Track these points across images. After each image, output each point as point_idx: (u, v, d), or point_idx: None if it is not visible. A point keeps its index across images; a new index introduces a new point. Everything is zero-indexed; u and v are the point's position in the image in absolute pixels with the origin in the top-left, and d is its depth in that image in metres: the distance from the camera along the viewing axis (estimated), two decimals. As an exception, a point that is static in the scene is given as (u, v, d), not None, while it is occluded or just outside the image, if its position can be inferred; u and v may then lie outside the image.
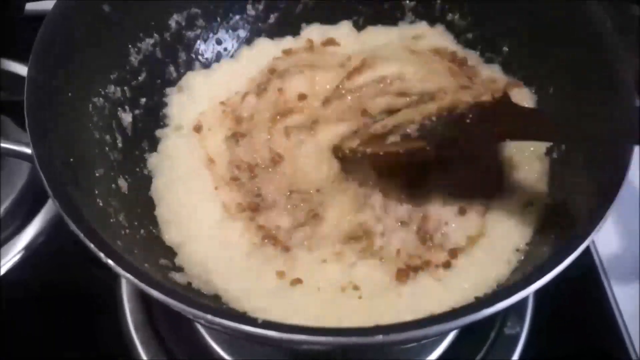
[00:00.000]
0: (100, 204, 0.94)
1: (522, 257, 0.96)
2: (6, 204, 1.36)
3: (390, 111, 1.10)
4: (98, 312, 1.26)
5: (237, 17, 1.31)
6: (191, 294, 0.91)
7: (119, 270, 0.71)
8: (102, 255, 0.72)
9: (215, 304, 0.91)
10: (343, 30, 1.33)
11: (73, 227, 0.74)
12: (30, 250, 1.35)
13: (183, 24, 1.25)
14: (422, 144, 0.98)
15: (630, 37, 0.95)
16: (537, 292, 1.25)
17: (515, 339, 1.25)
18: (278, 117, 1.13)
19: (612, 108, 0.90)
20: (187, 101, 1.18)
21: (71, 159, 0.91)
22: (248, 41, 1.30)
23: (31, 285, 1.31)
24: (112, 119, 1.09)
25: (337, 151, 1.07)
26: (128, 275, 0.70)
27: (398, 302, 0.93)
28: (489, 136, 0.96)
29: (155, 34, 1.20)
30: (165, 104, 1.21)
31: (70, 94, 0.98)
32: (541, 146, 1.08)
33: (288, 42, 1.31)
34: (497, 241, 0.99)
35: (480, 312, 0.68)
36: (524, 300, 1.27)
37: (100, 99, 1.07)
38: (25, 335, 1.24)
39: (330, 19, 1.33)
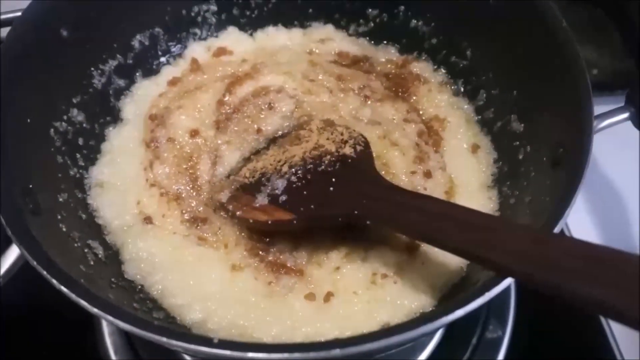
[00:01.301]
0: (64, 229, 0.93)
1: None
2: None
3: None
4: (78, 331, 1.24)
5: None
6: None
7: (72, 296, 0.69)
8: (54, 282, 0.70)
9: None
10: (231, 37, 1.33)
11: (28, 257, 0.73)
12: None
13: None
14: (289, 217, 0.97)
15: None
16: (519, 294, 1.26)
17: (497, 342, 1.24)
18: (189, 171, 1.09)
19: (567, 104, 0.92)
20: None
21: (30, 185, 0.90)
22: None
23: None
24: (76, 143, 1.08)
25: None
26: (79, 300, 0.68)
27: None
28: (353, 204, 0.94)
29: (118, 55, 1.20)
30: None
31: (29, 120, 0.97)
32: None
33: (169, 72, 1.27)
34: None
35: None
36: (506, 303, 1.27)
37: (63, 123, 1.07)
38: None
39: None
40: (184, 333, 0.66)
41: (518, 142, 1.07)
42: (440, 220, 0.86)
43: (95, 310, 0.69)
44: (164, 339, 0.66)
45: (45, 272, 0.72)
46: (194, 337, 0.66)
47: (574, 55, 0.95)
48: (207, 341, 0.66)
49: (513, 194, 1.04)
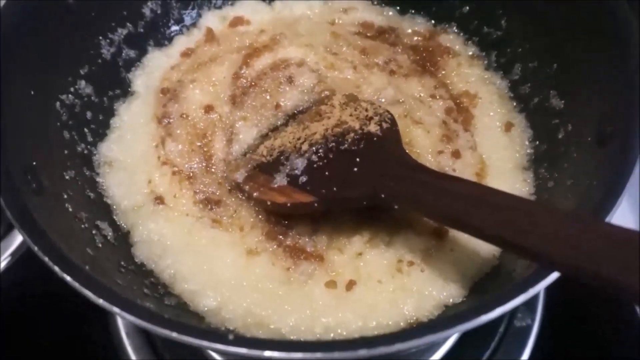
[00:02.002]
0: (70, 210, 0.88)
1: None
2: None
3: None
4: (90, 315, 1.19)
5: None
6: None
7: (75, 284, 0.64)
8: (57, 269, 0.65)
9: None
10: (248, 6, 1.25)
11: (29, 241, 0.68)
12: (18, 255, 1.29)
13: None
14: (310, 200, 0.90)
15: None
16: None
17: (526, 331, 1.17)
18: (203, 149, 1.03)
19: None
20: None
21: (34, 163, 0.84)
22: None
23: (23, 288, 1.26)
24: (84, 117, 1.02)
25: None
26: (82, 288, 0.63)
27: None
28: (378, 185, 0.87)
29: (128, 24, 1.13)
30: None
31: (32, 92, 0.91)
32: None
33: (182, 42, 1.20)
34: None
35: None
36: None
37: (70, 96, 1.01)
38: (16, 338, 1.19)
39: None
40: (196, 328, 0.61)
41: (558, 120, 0.99)
42: (472, 203, 0.78)
43: (100, 301, 0.63)
44: (174, 334, 0.61)
45: (47, 259, 0.66)
46: (207, 333, 0.61)
47: (626, 22, 0.86)
48: (221, 337, 0.60)
49: (552, 176, 0.96)
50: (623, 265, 0.61)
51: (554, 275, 0.66)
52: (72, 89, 1.01)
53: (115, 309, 0.63)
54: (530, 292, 0.64)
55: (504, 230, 0.72)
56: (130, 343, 1.16)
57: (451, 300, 0.88)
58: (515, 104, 1.09)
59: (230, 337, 0.60)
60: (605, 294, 0.60)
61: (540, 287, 0.65)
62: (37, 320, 1.21)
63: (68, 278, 0.65)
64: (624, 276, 0.60)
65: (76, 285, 0.64)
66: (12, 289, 1.23)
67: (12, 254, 1.28)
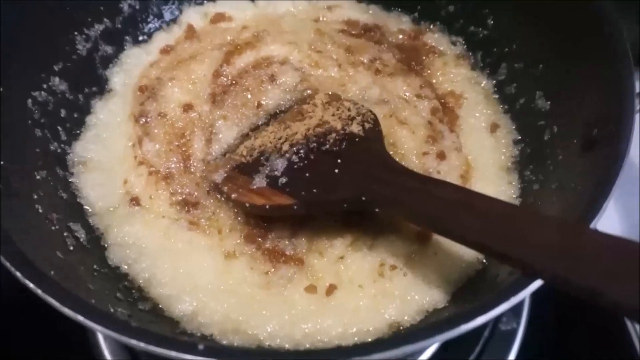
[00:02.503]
0: (40, 211, 0.85)
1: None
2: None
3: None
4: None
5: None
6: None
7: (38, 291, 0.61)
8: (19, 275, 0.62)
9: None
10: (230, 2, 1.22)
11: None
12: None
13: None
14: (290, 202, 0.88)
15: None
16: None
17: (511, 335, 1.15)
18: (181, 149, 1.00)
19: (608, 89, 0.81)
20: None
21: (1, 162, 0.81)
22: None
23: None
24: (58, 115, 0.99)
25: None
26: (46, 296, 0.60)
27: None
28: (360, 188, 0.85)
29: (105, 19, 1.09)
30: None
31: (1, 89, 0.87)
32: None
33: (161, 38, 1.17)
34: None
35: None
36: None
37: (43, 93, 0.97)
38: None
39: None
40: (165, 337, 0.58)
41: (543, 122, 0.97)
42: (457, 209, 0.76)
43: (65, 309, 0.60)
44: (142, 344, 0.58)
45: (8, 264, 0.63)
46: (176, 343, 0.58)
47: (613, 24, 0.85)
48: (191, 347, 0.57)
49: (537, 179, 0.94)
50: (608, 276, 0.59)
51: (537, 283, 0.64)
52: (45, 86, 0.98)
53: (80, 317, 0.60)
54: (513, 301, 0.63)
55: (486, 237, 0.70)
56: (107, 346, 1.12)
57: (434, 305, 0.86)
58: (501, 104, 1.07)
59: (200, 347, 0.58)
60: (591, 303, 0.58)
61: (523, 295, 0.63)
62: (13, 323, 1.17)
63: (31, 285, 0.61)
64: (608, 287, 0.58)
65: (39, 292, 0.61)
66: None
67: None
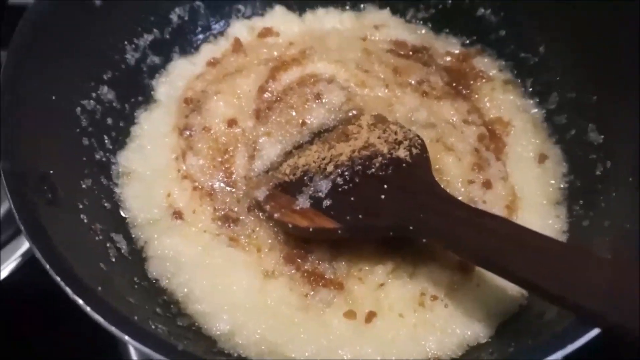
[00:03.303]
0: (85, 221, 0.85)
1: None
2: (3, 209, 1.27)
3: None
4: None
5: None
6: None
7: (87, 309, 0.61)
8: (69, 290, 0.62)
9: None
10: (278, 17, 1.21)
11: (38, 254, 0.65)
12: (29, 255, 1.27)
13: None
14: (334, 226, 0.86)
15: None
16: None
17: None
18: (224, 165, 0.99)
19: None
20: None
21: (51, 171, 0.81)
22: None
23: (29, 290, 1.23)
24: (104, 123, 0.99)
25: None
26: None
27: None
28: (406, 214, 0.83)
29: (154, 29, 1.10)
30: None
31: (54, 97, 0.88)
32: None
33: (208, 51, 1.17)
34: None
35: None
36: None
37: (92, 101, 0.98)
38: (24, 339, 1.15)
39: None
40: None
41: (595, 156, 0.94)
42: (507, 244, 0.74)
43: (112, 328, 0.60)
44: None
45: (59, 279, 0.63)
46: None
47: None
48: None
49: (587, 214, 0.92)
50: None
51: (596, 331, 0.61)
52: (94, 94, 0.98)
53: (127, 338, 0.60)
54: (569, 348, 0.60)
55: (539, 277, 0.68)
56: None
57: (476, 340, 0.84)
58: (550, 134, 1.05)
59: None
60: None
61: (581, 341, 0.61)
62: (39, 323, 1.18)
63: (80, 301, 0.61)
64: None
65: (87, 309, 0.61)
66: (21, 288, 1.21)
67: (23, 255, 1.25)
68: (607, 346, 0.63)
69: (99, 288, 0.67)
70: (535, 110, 1.08)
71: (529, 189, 1.00)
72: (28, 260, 1.24)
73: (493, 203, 0.96)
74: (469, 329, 0.84)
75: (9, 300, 1.14)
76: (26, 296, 1.19)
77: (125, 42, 1.06)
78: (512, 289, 0.86)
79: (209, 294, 0.88)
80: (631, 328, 0.59)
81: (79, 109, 0.94)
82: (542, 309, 0.81)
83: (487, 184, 0.98)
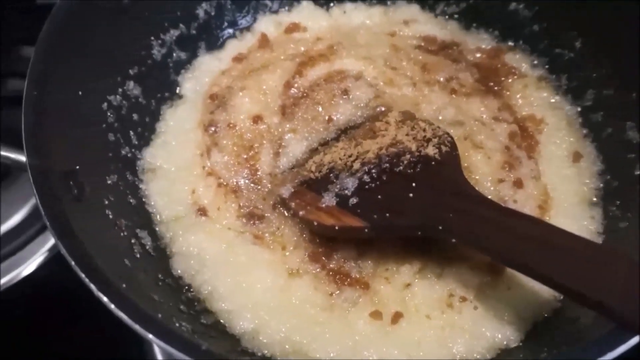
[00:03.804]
0: (110, 217, 0.85)
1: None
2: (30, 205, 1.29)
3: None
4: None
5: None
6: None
7: (111, 306, 0.60)
8: (93, 287, 0.61)
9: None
10: (305, 12, 1.19)
11: (63, 250, 0.64)
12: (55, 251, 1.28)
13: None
14: (361, 225, 0.84)
15: None
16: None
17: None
18: (249, 162, 0.98)
19: None
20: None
21: (77, 167, 0.81)
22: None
23: (55, 286, 1.24)
24: (130, 119, 0.99)
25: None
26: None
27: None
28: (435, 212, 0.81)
29: (181, 25, 1.09)
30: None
31: (80, 92, 0.88)
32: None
33: (234, 46, 1.15)
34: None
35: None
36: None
37: (118, 97, 0.98)
38: (48, 336, 1.16)
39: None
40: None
41: (634, 155, 0.91)
42: (542, 246, 0.72)
43: (136, 326, 0.59)
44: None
45: (83, 275, 0.63)
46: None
47: None
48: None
49: (624, 216, 0.88)
50: None
51: (636, 339, 0.59)
52: (120, 90, 0.98)
53: (151, 336, 0.59)
54: (609, 356, 0.57)
55: (575, 280, 0.66)
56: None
57: (506, 343, 0.82)
58: (585, 132, 1.01)
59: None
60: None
61: (621, 350, 0.58)
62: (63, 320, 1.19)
63: (105, 299, 0.61)
64: None
65: (112, 307, 0.60)
66: (47, 283, 1.22)
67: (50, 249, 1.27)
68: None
69: (123, 285, 0.67)
70: (570, 107, 1.05)
71: (562, 188, 0.96)
72: (54, 256, 1.25)
73: (524, 203, 0.93)
74: (499, 332, 0.82)
75: (35, 296, 1.15)
76: (52, 292, 1.20)
77: (152, 38, 1.05)
78: (545, 291, 0.83)
79: (233, 292, 0.87)
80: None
81: (105, 104, 0.94)
82: (577, 313, 0.78)
83: (518, 183, 0.95)
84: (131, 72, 1.01)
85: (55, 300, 1.19)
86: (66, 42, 0.87)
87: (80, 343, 1.15)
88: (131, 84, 1.00)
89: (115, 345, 1.14)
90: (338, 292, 0.86)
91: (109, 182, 0.90)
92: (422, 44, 1.13)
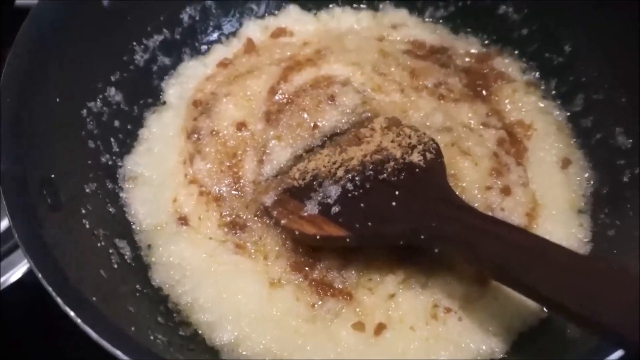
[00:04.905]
0: (87, 226, 0.83)
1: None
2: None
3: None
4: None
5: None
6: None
7: (77, 320, 0.58)
8: (59, 300, 0.59)
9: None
10: (292, 16, 1.18)
11: (30, 262, 0.62)
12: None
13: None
14: (342, 234, 0.82)
15: None
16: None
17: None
18: (232, 169, 0.96)
19: None
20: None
21: (53, 175, 0.80)
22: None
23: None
24: (111, 126, 0.98)
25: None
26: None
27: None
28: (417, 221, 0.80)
29: (164, 29, 1.08)
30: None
31: (58, 99, 0.86)
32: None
33: (219, 51, 1.14)
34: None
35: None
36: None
37: (98, 103, 0.96)
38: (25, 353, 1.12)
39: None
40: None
41: (623, 161, 0.90)
42: (527, 258, 0.70)
43: (104, 342, 0.57)
44: None
45: (50, 288, 0.60)
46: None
47: None
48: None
49: (613, 223, 0.87)
50: None
51: (619, 353, 0.57)
52: (101, 96, 0.97)
53: (119, 353, 0.57)
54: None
55: (559, 294, 0.64)
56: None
57: (490, 355, 0.80)
58: (574, 138, 1.00)
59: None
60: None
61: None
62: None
63: (71, 313, 0.59)
64: None
65: (78, 321, 0.58)
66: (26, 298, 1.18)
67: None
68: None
69: (94, 298, 0.65)
70: (559, 112, 1.03)
71: (551, 195, 0.95)
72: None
73: (512, 210, 0.91)
74: (484, 344, 0.80)
75: (11, 310, 1.12)
76: (31, 306, 1.17)
77: (134, 43, 1.04)
78: (532, 302, 0.80)
79: (214, 303, 0.85)
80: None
81: (85, 110, 0.93)
82: (564, 325, 0.77)
83: (505, 190, 0.93)
84: (112, 78, 0.99)
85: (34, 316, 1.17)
86: (44, 45, 0.86)
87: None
88: (112, 90, 0.99)
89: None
90: (320, 302, 0.85)
91: (87, 190, 0.88)
92: (411, 48, 1.12)
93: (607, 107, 0.95)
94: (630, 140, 0.89)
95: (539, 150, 1.00)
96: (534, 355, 0.76)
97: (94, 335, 0.58)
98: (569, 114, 1.02)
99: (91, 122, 0.94)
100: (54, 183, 0.79)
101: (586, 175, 0.96)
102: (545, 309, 0.81)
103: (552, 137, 1.01)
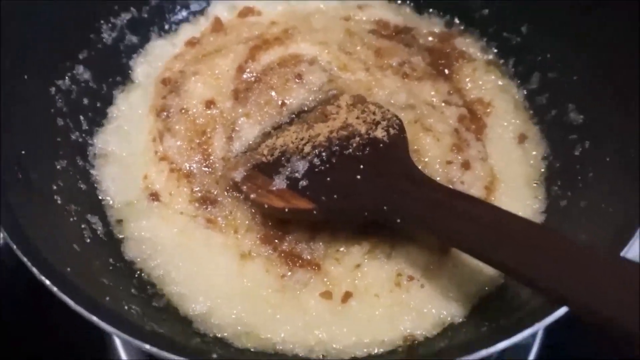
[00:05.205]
0: (59, 202, 0.84)
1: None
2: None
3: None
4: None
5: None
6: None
7: (53, 289, 0.60)
8: (35, 270, 0.61)
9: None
10: None
11: (3, 232, 0.64)
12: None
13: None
14: (309, 207, 0.86)
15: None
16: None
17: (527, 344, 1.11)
18: (202, 146, 0.98)
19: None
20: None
21: (23, 152, 0.80)
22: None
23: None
24: (80, 103, 0.98)
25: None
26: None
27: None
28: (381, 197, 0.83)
29: (132, 8, 1.08)
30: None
31: (25, 77, 0.87)
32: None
33: (187, 30, 1.15)
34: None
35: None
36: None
37: (67, 81, 0.97)
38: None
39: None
40: (180, 345, 0.57)
41: (575, 136, 0.94)
42: (485, 228, 0.74)
43: (80, 309, 0.60)
44: (154, 350, 0.57)
45: (25, 259, 0.62)
46: (190, 352, 0.57)
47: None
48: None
49: (564, 195, 0.92)
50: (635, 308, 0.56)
51: (563, 310, 0.62)
52: (69, 74, 0.97)
53: (94, 318, 0.59)
54: (536, 327, 0.60)
55: (513, 260, 0.68)
56: (123, 345, 1.09)
57: (451, 319, 0.84)
58: (531, 115, 1.04)
59: (214, 356, 0.57)
60: (617, 340, 0.56)
61: (548, 321, 0.61)
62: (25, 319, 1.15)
63: (47, 282, 0.61)
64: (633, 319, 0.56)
65: (54, 289, 0.60)
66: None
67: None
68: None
69: (68, 269, 0.67)
70: (517, 90, 1.07)
71: (508, 169, 0.99)
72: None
73: (471, 184, 0.95)
74: (445, 309, 0.85)
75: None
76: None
77: (102, 21, 1.04)
78: (489, 270, 0.85)
79: (186, 276, 0.88)
80: (602, 314, 0.59)
81: (53, 88, 0.93)
82: (517, 290, 0.81)
83: (465, 165, 0.97)
84: (80, 56, 1.00)
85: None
86: (8, 24, 0.85)
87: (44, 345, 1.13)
88: (81, 68, 0.99)
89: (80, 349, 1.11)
90: (290, 273, 0.88)
91: (58, 167, 0.89)
92: (376, 28, 1.14)
93: (560, 86, 0.99)
94: (582, 116, 0.94)
95: (498, 126, 1.04)
96: (489, 318, 0.80)
97: (70, 302, 0.60)
98: (525, 92, 1.06)
99: (60, 100, 0.94)
100: (24, 160, 0.80)
101: (542, 150, 1.00)
102: (501, 275, 0.87)
103: (510, 114, 1.05)
